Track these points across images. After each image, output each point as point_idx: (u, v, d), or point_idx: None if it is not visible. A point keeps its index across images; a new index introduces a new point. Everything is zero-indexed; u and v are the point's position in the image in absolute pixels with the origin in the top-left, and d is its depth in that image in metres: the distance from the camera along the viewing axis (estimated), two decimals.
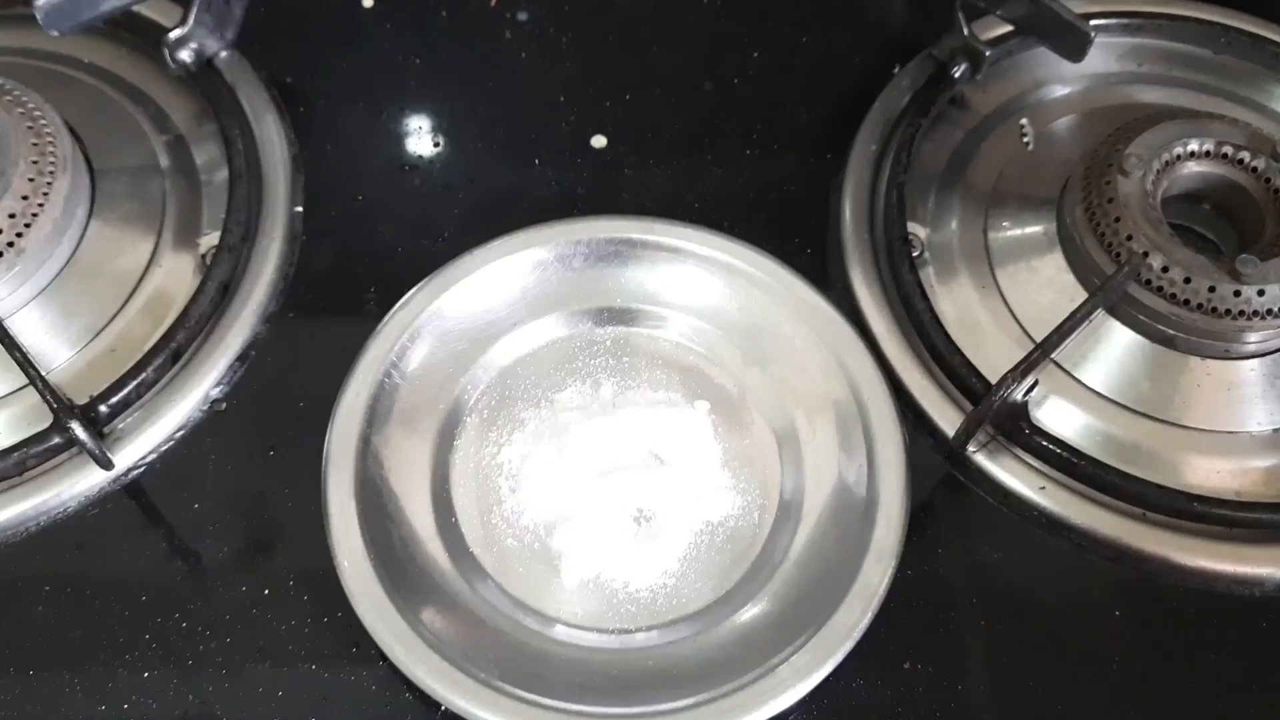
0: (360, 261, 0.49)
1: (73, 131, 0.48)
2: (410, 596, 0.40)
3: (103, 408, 0.42)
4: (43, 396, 0.39)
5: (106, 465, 0.41)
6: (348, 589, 0.39)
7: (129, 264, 0.47)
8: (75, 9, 0.46)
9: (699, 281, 0.46)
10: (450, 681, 0.38)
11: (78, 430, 0.39)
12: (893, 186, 0.49)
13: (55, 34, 0.47)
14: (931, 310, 0.45)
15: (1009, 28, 0.52)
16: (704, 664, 0.40)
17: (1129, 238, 0.45)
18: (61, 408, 0.39)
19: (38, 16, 0.45)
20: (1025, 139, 0.52)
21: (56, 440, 0.41)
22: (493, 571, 0.42)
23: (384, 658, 0.39)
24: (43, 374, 0.40)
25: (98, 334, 0.46)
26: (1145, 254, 0.44)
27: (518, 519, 0.43)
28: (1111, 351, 0.46)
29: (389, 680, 0.40)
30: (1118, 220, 0.45)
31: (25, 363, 0.39)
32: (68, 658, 0.40)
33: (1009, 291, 0.48)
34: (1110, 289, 0.43)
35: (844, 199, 0.49)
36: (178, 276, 0.48)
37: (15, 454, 0.41)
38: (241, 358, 0.46)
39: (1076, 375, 0.46)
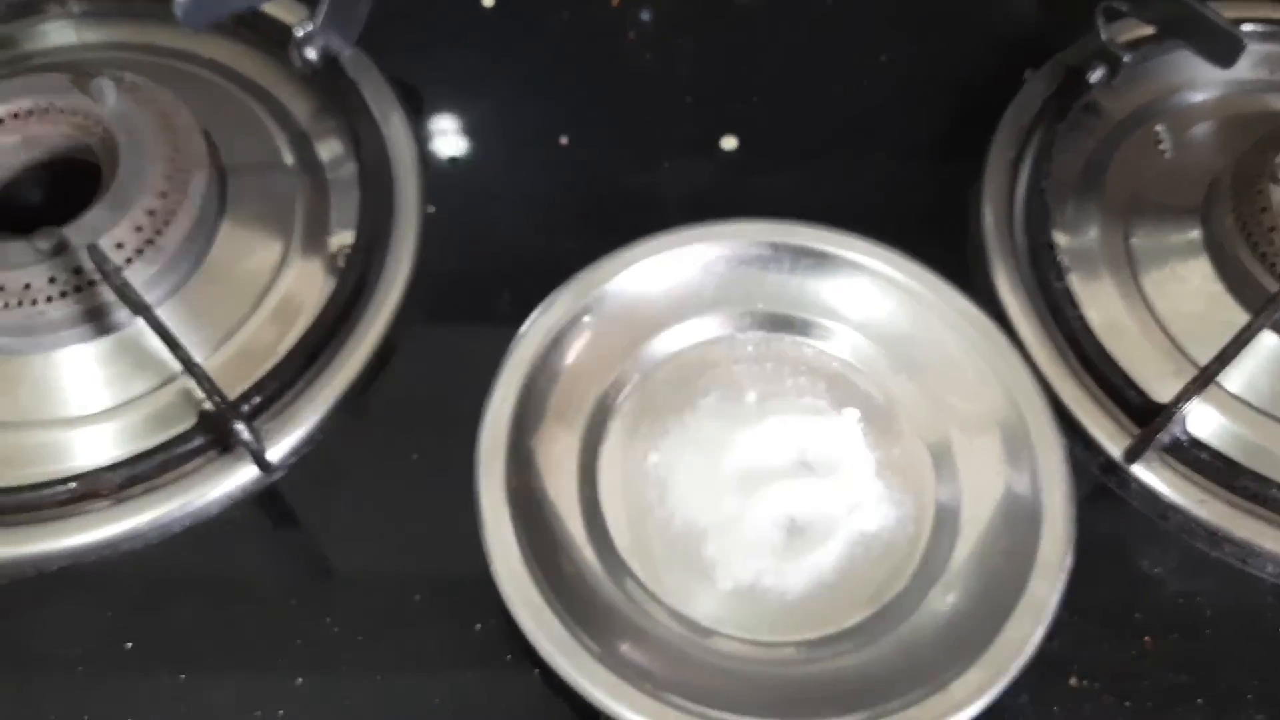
0: (492, 262, 0.48)
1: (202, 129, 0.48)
2: (567, 603, 0.39)
3: (245, 408, 0.42)
4: (209, 395, 0.39)
5: (265, 466, 0.40)
6: (505, 594, 0.39)
7: (260, 263, 0.47)
8: (213, 4, 0.45)
9: (845, 287, 0.45)
10: (612, 690, 0.37)
11: (241, 430, 0.39)
12: (1035, 192, 0.48)
13: (187, 28, 0.46)
14: (1082, 319, 0.45)
15: (1145, 31, 0.52)
16: (868, 678, 0.39)
17: None
18: (226, 406, 0.39)
19: (176, 13, 0.45)
20: (1162, 146, 0.51)
21: (207, 439, 0.41)
22: (645, 580, 0.41)
23: (539, 665, 0.38)
24: (207, 372, 0.39)
25: (232, 334, 0.45)
26: None
27: (668, 526, 0.42)
28: (1260, 361, 0.45)
29: (544, 689, 0.39)
30: (1272, 230, 0.44)
31: (189, 361, 0.39)
32: (217, 662, 0.39)
33: (1155, 300, 0.47)
34: (1275, 308, 0.43)
35: (984, 205, 0.49)
36: (309, 276, 0.47)
37: (172, 451, 0.40)
38: (379, 360, 0.45)
39: (1225, 385, 0.45)
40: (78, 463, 0.42)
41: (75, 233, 0.43)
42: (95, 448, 0.43)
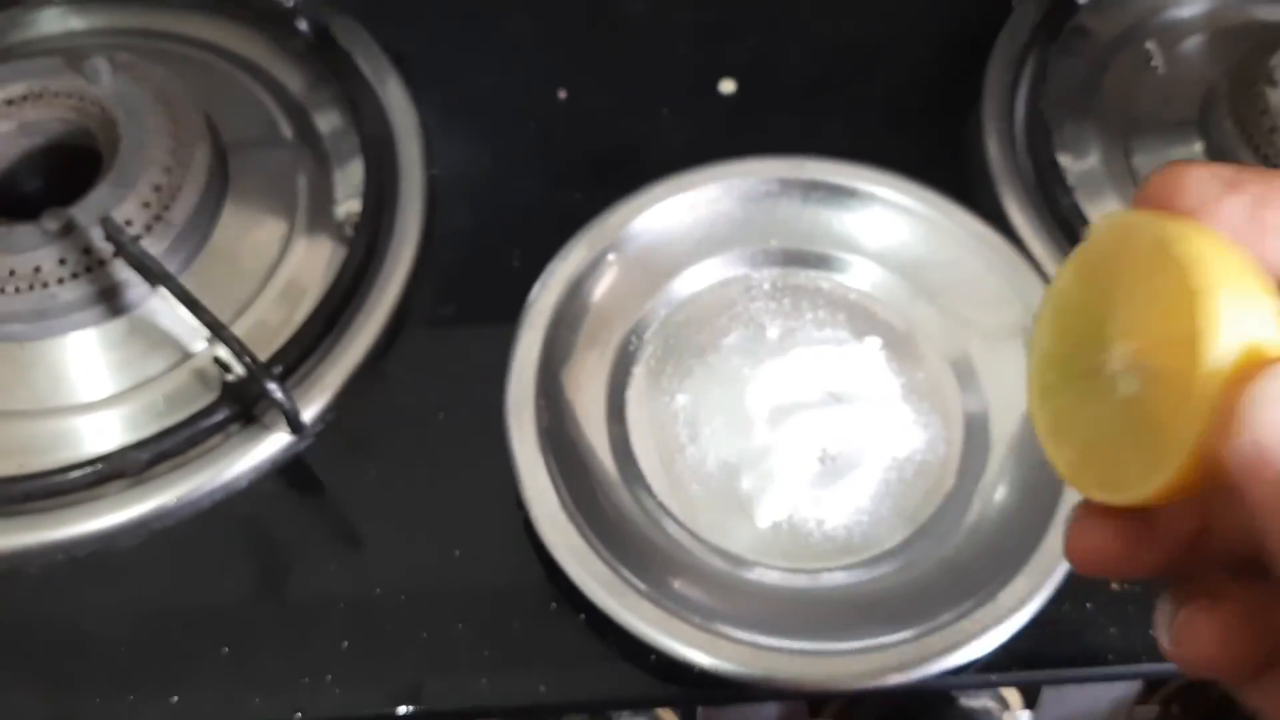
0: (500, 219, 0.48)
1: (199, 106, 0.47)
2: (608, 544, 0.39)
3: (277, 370, 0.41)
4: (239, 357, 0.38)
5: (299, 428, 0.40)
6: (545, 538, 0.38)
7: (267, 237, 0.47)
8: None
9: (857, 218, 0.45)
10: (662, 625, 0.37)
11: (275, 390, 0.38)
12: (1034, 114, 0.48)
13: (181, 5, 0.46)
14: None
15: None
16: (914, 595, 0.39)
17: None
18: (259, 368, 0.38)
19: None
20: (1153, 63, 0.51)
21: (233, 410, 0.40)
22: (684, 518, 0.41)
23: (586, 610, 0.38)
24: (236, 334, 0.39)
25: (244, 309, 0.45)
26: None
27: (701, 465, 0.42)
28: None
29: (591, 633, 0.39)
30: (1273, 131, 0.45)
31: (217, 324, 0.38)
32: (261, 632, 0.39)
33: None
34: None
35: (985, 131, 0.49)
36: (317, 248, 0.47)
37: (198, 425, 0.40)
38: (395, 323, 0.45)
39: None
40: (99, 446, 0.42)
41: (82, 212, 0.42)
42: (115, 430, 0.42)
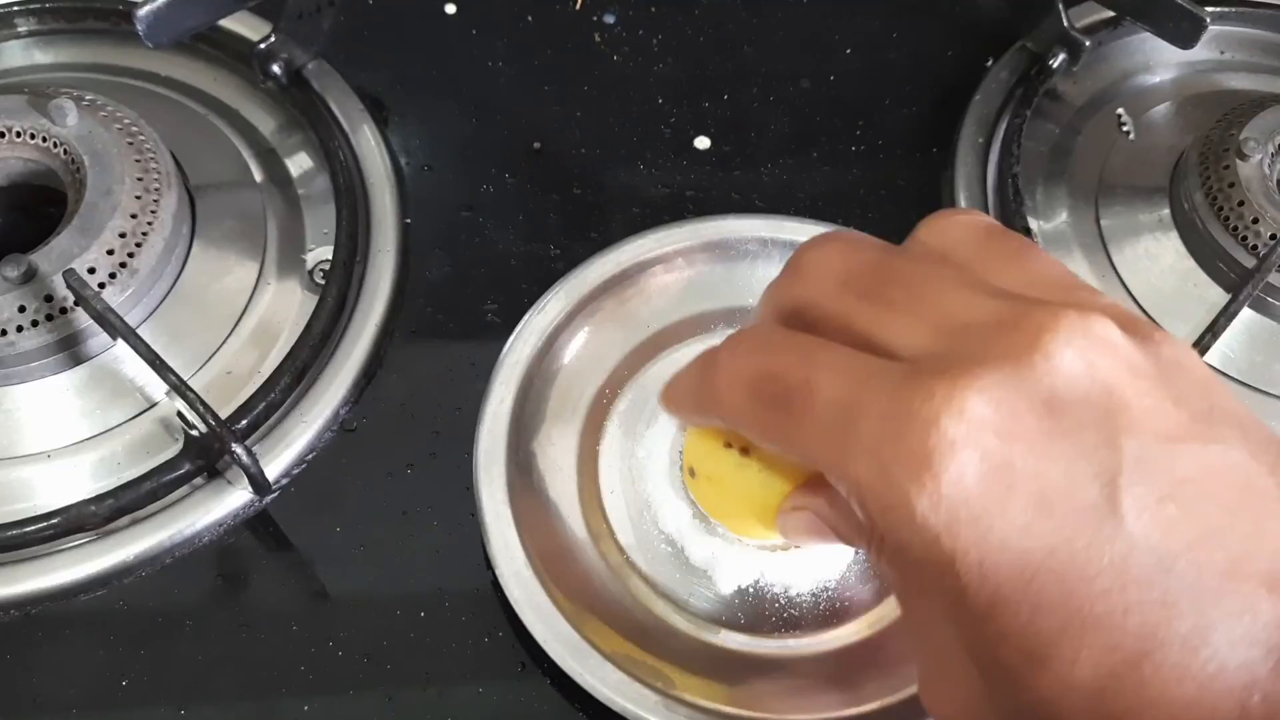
0: (474, 272, 0.47)
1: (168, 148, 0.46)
2: (576, 605, 0.39)
3: (239, 428, 0.41)
4: (201, 417, 0.38)
5: (263, 488, 0.39)
6: (512, 598, 0.38)
7: (236, 282, 0.46)
8: (178, 20, 0.44)
9: None
10: (627, 693, 0.37)
11: (239, 452, 0.37)
12: (1007, 177, 0.49)
13: (151, 46, 0.45)
14: None
15: (1104, 15, 0.53)
16: (880, 666, 0.39)
17: (1255, 220, 0.45)
18: (221, 427, 0.37)
19: (139, 28, 0.44)
20: (1125, 128, 0.52)
21: (195, 465, 0.40)
22: (651, 578, 0.41)
23: (552, 674, 0.38)
24: (200, 394, 0.38)
25: (210, 357, 0.44)
26: (1273, 237, 0.45)
27: (668, 523, 0.41)
28: (1236, 334, 0.46)
29: (558, 696, 0.38)
30: (1241, 204, 0.46)
31: (180, 383, 0.38)
32: (218, 693, 0.38)
33: (1130, 279, 0.48)
34: (1254, 284, 0.44)
35: (957, 191, 0.49)
36: (286, 295, 0.46)
37: (159, 479, 0.39)
38: (366, 375, 0.44)
39: (1206, 360, 0.46)
40: (56, 498, 0.41)
41: (44, 259, 0.41)
42: (73, 482, 0.41)
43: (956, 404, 0.23)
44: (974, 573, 0.23)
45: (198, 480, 0.41)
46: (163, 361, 0.38)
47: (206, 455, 0.40)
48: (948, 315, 0.26)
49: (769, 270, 0.45)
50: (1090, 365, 0.24)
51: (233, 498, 0.41)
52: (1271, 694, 0.22)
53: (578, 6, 0.55)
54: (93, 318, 0.39)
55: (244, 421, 0.41)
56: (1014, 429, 0.23)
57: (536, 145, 0.51)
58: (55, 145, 0.44)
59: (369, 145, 0.49)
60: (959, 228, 0.29)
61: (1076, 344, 0.24)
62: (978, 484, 0.23)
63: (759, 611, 0.40)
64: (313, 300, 0.45)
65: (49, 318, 0.41)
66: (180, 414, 0.39)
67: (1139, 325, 0.25)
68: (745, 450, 0.32)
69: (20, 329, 0.41)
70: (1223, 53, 0.56)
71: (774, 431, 0.28)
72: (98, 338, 0.42)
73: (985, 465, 0.23)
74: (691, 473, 0.34)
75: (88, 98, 0.46)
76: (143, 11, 0.44)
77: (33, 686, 0.38)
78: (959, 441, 0.23)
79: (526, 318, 0.43)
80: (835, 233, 0.30)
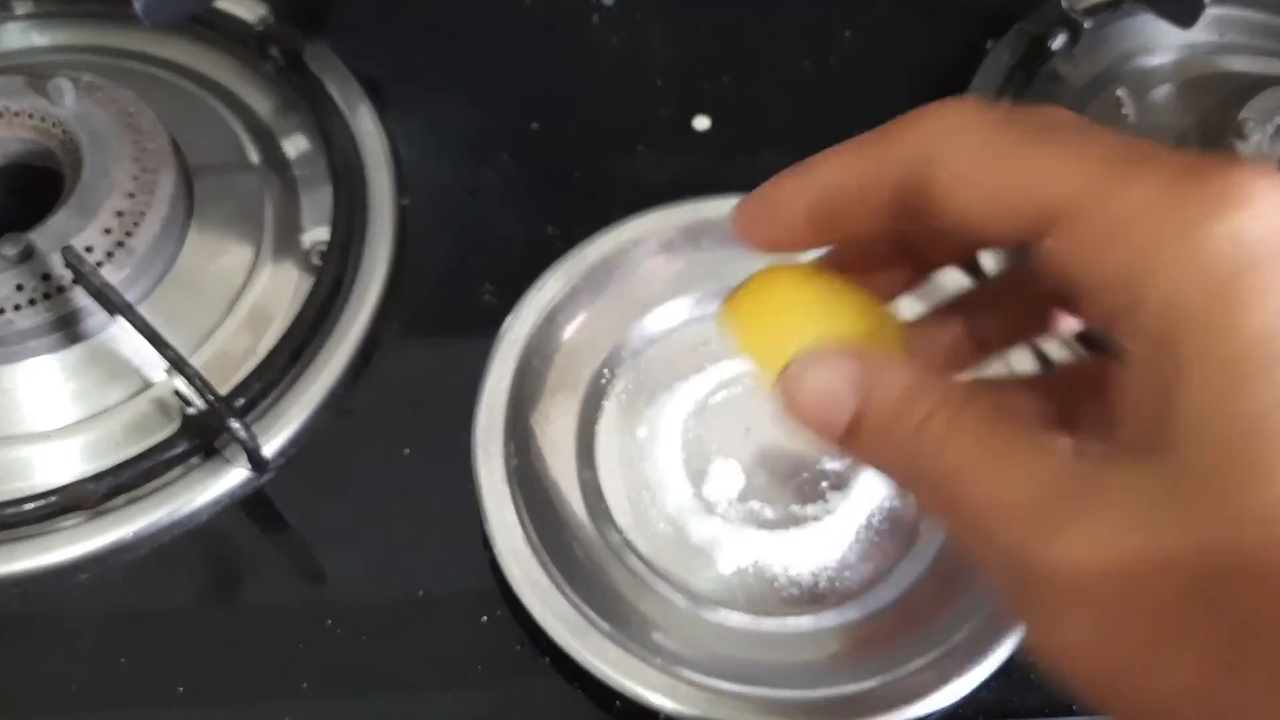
0: (472, 251, 0.47)
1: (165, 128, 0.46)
2: (573, 583, 0.39)
3: (238, 405, 0.41)
4: (201, 394, 0.37)
5: (261, 465, 0.39)
6: (510, 576, 0.38)
7: (232, 264, 0.46)
8: (176, 1, 0.44)
9: None
10: (627, 670, 0.37)
11: (237, 428, 0.37)
12: None
13: (149, 26, 0.45)
14: None
15: None
16: (879, 645, 0.39)
17: None
18: (220, 404, 0.37)
19: (137, 9, 0.43)
20: (1124, 110, 0.52)
21: (192, 444, 0.40)
22: (649, 557, 0.41)
23: (551, 653, 0.38)
24: (199, 370, 0.38)
25: (207, 338, 0.44)
26: None
27: (667, 504, 0.41)
28: None
29: (556, 675, 0.38)
30: None
31: (179, 360, 0.37)
32: (217, 672, 0.38)
33: None
34: None
35: None
36: (283, 276, 0.46)
37: (156, 458, 0.39)
38: (362, 356, 0.44)
39: None
40: (53, 477, 0.41)
41: (42, 237, 0.41)
42: (71, 461, 0.41)
43: (1258, 172, 0.21)
44: (1269, 321, 0.20)
45: (194, 459, 0.41)
46: (161, 337, 0.38)
47: (204, 433, 0.40)
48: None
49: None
50: None
51: (230, 476, 0.41)
52: None
53: None
54: (91, 294, 0.39)
55: (241, 400, 0.41)
56: None
57: (534, 126, 0.51)
58: (53, 125, 0.44)
59: (366, 127, 0.49)
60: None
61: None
62: None
63: (758, 591, 0.40)
64: (309, 281, 0.45)
65: (46, 296, 0.41)
66: (178, 392, 0.39)
67: None
68: (809, 277, 0.27)
69: (18, 307, 0.41)
70: (1221, 35, 0.56)
71: (1014, 168, 0.22)
72: (95, 317, 0.42)
73: None
74: (735, 295, 0.28)
75: (85, 79, 0.46)
76: None
77: (31, 665, 0.38)
78: (1262, 190, 0.20)
79: (525, 297, 0.43)
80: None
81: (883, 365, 0.24)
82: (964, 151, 0.23)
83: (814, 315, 0.26)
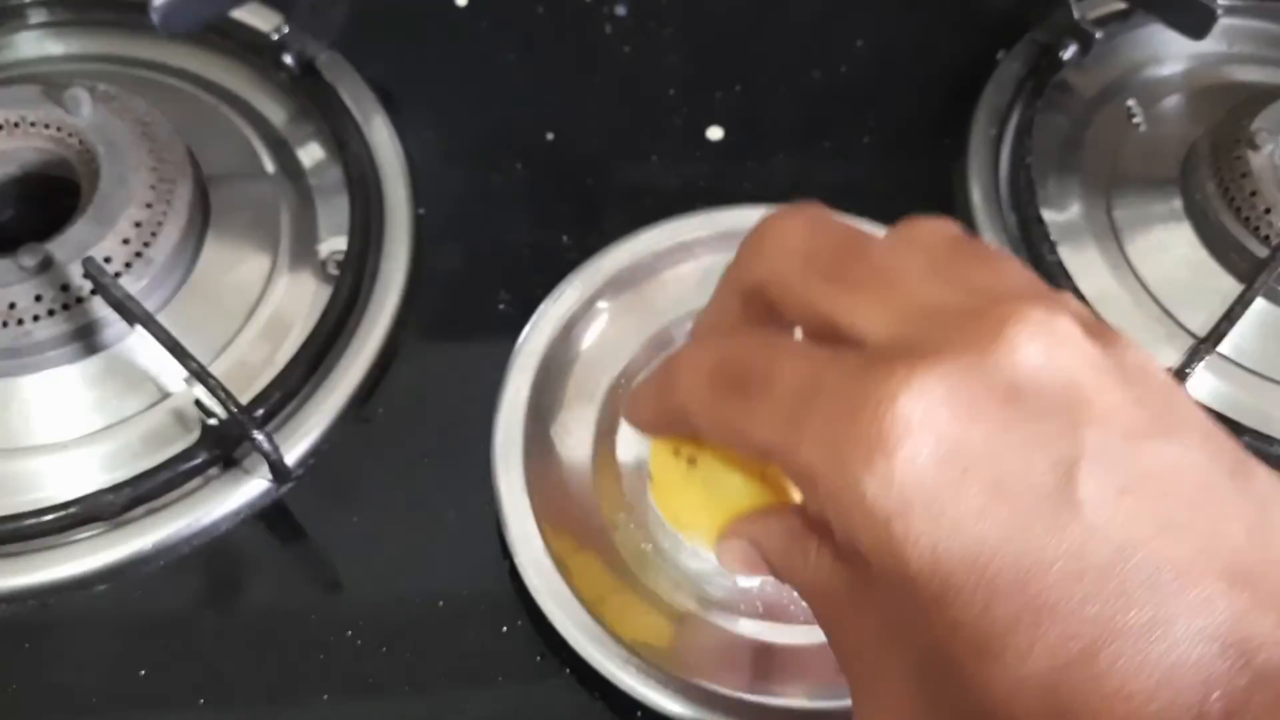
0: (487, 262, 0.47)
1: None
2: (595, 594, 0.39)
3: (259, 415, 0.41)
4: (223, 404, 0.38)
5: (283, 475, 0.39)
6: (531, 585, 0.38)
7: (250, 273, 0.46)
8: (192, 10, 0.44)
9: None
10: (650, 680, 0.37)
11: (260, 439, 0.37)
12: (1019, 168, 0.49)
13: (165, 36, 0.45)
14: (1078, 292, 0.45)
15: (1114, 8, 0.53)
16: None
17: (1268, 210, 0.45)
18: (242, 414, 0.37)
19: (154, 19, 0.44)
20: (1135, 120, 0.52)
21: (212, 454, 0.40)
22: (669, 566, 0.41)
23: (571, 664, 0.38)
24: (222, 381, 0.38)
25: (225, 348, 0.44)
26: None
27: None
28: (1250, 324, 0.46)
29: (577, 686, 0.38)
30: (1254, 194, 0.46)
31: (201, 370, 0.37)
32: (237, 684, 0.38)
33: (1142, 270, 0.48)
34: (1269, 273, 0.44)
35: (970, 183, 0.49)
36: (300, 286, 0.46)
37: (176, 468, 0.39)
38: (380, 365, 0.44)
39: (1218, 349, 0.46)
40: (70, 488, 0.41)
41: (60, 248, 0.41)
42: (88, 472, 0.41)
43: (915, 386, 0.23)
44: (926, 558, 0.23)
45: (214, 470, 0.41)
46: (183, 347, 0.38)
47: (224, 444, 0.40)
48: (913, 301, 0.25)
49: None
50: (1053, 359, 0.23)
51: (249, 487, 0.41)
52: (1229, 693, 0.21)
53: None
54: (111, 305, 0.39)
55: (261, 410, 0.41)
56: (972, 414, 0.23)
57: (549, 136, 0.51)
58: (70, 135, 0.44)
59: (381, 136, 0.49)
60: (931, 228, 0.28)
61: (1041, 338, 0.23)
62: (932, 466, 0.22)
63: (777, 600, 0.40)
64: (326, 291, 0.45)
65: (65, 307, 0.41)
66: (198, 402, 0.39)
67: (1104, 329, 0.25)
68: (692, 460, 0.31)
69: (36, 318, 0.41)
70: (1231, 46, 0.56)
71: (728, 421, 0.27)
72: (113, 327, 0.42)
73: (941, 448, 0.23)
74: (650, 476, 0.34)
75: (101, 88, 0.46)
76: (158, 1, 0.44)
77: (50, 677, 0.38)
78: (914, 423, 0.23)
79: (543, 307, 0.43)
80: (798, 207, 0.29)
81: (766, 522, 0.29)
82: (695, 412, 0.28)
83: (707, 495, 0.31)
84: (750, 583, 0.40)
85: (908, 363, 0.23)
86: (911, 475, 0.23)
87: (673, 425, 0.30)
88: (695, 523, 0.32)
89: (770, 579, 0.30)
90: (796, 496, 0.31)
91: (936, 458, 0.23)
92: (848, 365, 0.24)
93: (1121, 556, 0.22)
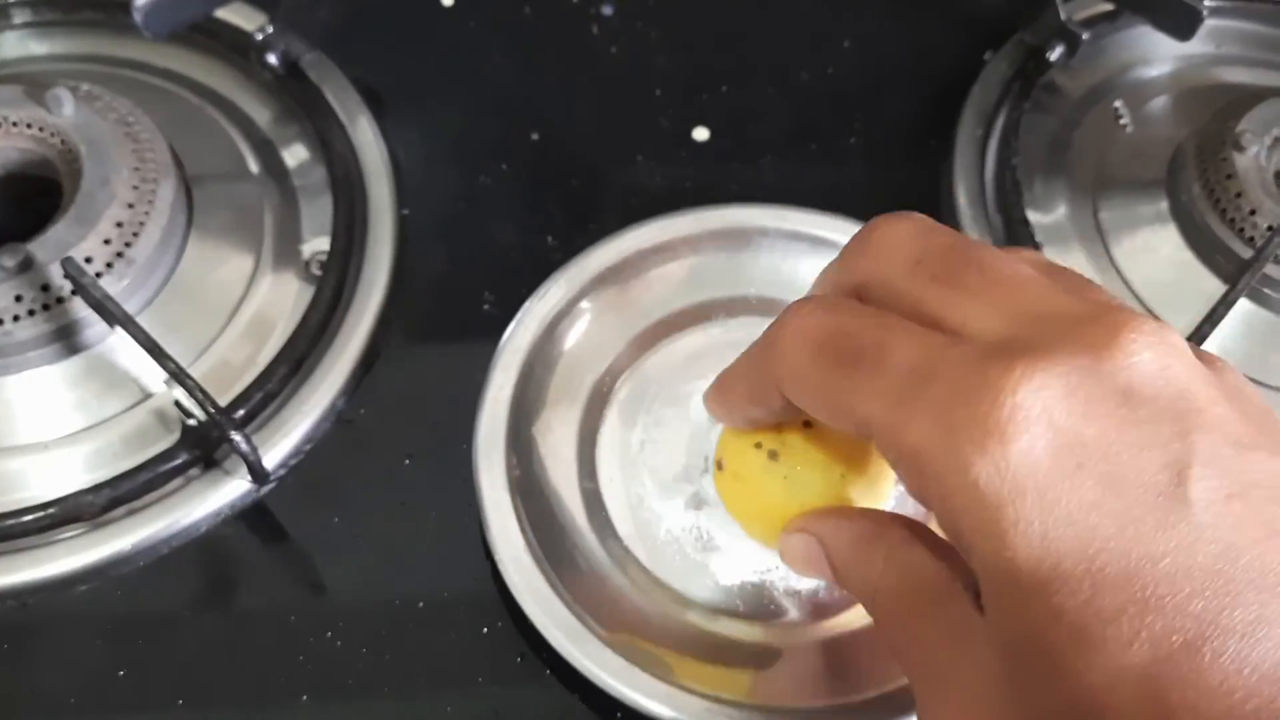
0: (472, 263, 0.47)
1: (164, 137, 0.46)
2: (575, 592, 0.39)
3: (238, 417, 0.41)
4: (201, 405, 0.37)
5: (262, 477, 0.39)
6: (511, 584, 0.38)
7: (233, 273, 0.46)
8: (176, 10, 0.44)
9: None
10: (628, 680, 0.37)
11: (239, 440, 0.37)
12: (1006, 170, 0.49)
13: (149, 36, 0.45)
14: None
15: (1101, 9, 0.53)
16: (880, 656, 0.39)
17: (1253, 212, 0.45)
18: (221, 416, 0.37)
19: (137, 19, 0.43)
20: (1122, 121, 0.52)
21: (192, 455, 0.39)
22: (649, 567, 0.40)
23: (552, 663, 0.38)
24: (200, 382, 0.38)
25: (207, 348, 0.44)
26: (1270, 229, 0.45)
27: (667, 514, 0.41)
28: (1234, 324, 0.46)
29: (558, 686, 0.38)
30: (1239, 195, 0.46)
31: (180, 372, 0.37)
32: (217, 685, 0.38)
33: (1128, 271, 0.48)
34: (1252, 274, 0.44)
35: (956, 184, 0.49)
36: (283, 286, 0.46)
37: (155, 469, 0.39)
38: (363, 365, 0.44)
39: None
40: (51, 489, 0.40)
41: (41, 248, 0.41)
42: (68, 472, 0.41)
43: (1036, 380, 0.23)
44: (1035, 545, 0.23)
45: (194, 471, 0.41)
46: (161, 349, 0.38)
47: (204, 445, 0.40)
48: (1026, 305, 0.26)
49: (771, 260, 0.45)
50: (1166, 368, 0.24)
51: (229, 488, 0.41)
52: None
53: None
54: (91, 305, 0.39)
55: (241, 411, 0.41)
56: (1088, 412, 0.23)
57: (535, 136, 0.51)
58: (52, 135, 0.44)
59: (366, 136, 0.49)
60: (1032, 251, 0.30)
61: (1156, 347, 0.24)
62: (1048, 457, 0.23)
63: (759, 600, 0.40)
64: (309, 291, 0.45)
65: (45, 307, 0.41)
66: (178, 403, 0.39)
67: (1204, 351, 0.26)
68: (774, 455, 0.32)
69: (16, 318, 0.41)
70: (1218, 47, 0.56)
71: (834, 394, 0.27)
72: (94, 328, 0.42)
73: (1057, 441, 0.23)
74: (720, 466, 0.34)
75: (84, 88, 0.45)
76: (141, 1, 0.43)
77: (29, 678, 0.38)
78: (1033, 415, 0.23)
79: (527, 305, 0.43)
80: (907, 213, 0.29)
81: (837, 521, 0.30)
82: (796, 381, 0.28)
83: (786, 490, 0.31)
84: (805, 583, 0.40)
85: (1027, 359, 0.24)
86: (1026, 464, 0.23)
87: (765, 401, 0.30)
88: (766, 516, 0.32)
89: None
90: (873, 502, 0.32)
91: (1052, 450, 0.23)
92: (966, 353, 0.25)
93: (1229, 557, 0.23)
